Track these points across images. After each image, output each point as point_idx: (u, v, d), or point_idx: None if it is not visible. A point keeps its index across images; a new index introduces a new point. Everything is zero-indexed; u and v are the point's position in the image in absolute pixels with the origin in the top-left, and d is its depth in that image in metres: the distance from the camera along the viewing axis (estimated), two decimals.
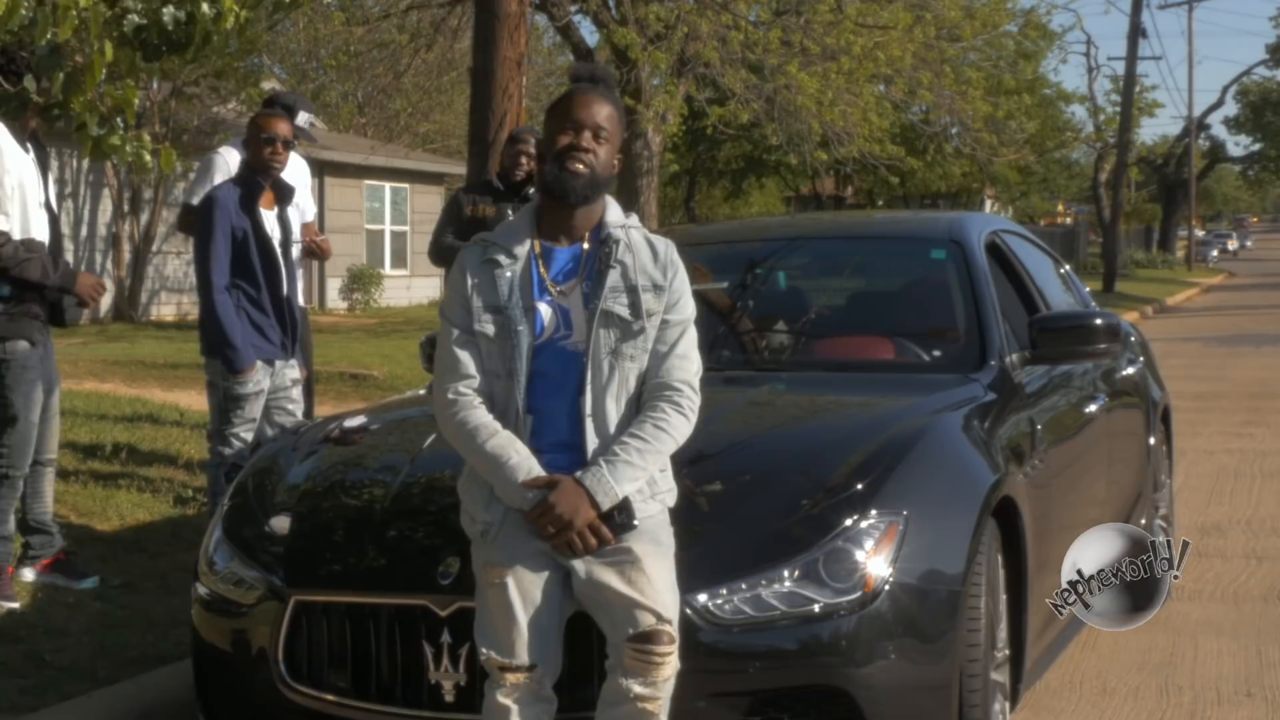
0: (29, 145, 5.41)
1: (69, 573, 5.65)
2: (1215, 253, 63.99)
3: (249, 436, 5.75)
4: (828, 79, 17.39)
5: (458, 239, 7.40)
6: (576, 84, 3.42)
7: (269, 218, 5.78)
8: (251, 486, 4.16)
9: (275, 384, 5.83)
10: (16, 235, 5.27)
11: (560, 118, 3.33)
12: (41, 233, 5.41)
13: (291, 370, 5.93)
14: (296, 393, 5.96)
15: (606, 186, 3.37)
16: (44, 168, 5.50)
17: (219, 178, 6.90)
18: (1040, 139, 38.94)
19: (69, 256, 5.56)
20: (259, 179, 5.71)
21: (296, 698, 3.55)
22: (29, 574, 5.60)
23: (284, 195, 5.85)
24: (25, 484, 5.56)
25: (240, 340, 5.63)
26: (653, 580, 3.15)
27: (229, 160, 6.94)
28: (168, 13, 5.03)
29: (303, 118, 6.90)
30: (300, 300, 6.04)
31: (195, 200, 6.95)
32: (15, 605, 5.29)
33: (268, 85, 21.32)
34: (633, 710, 3.11)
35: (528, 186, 7.52)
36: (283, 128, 5.73)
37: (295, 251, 6.01)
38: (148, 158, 5.19)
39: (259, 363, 5.71)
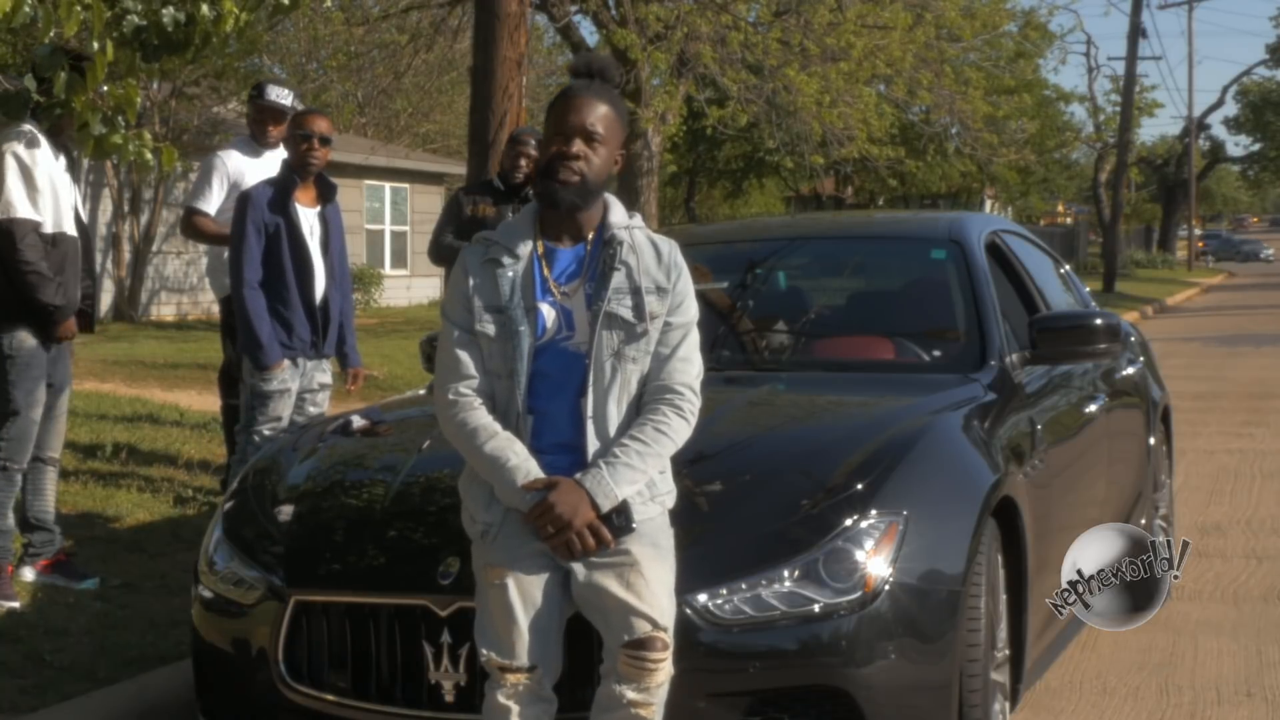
0: (60, 154, 5.50)
1: (69, 573, 5.65)
2: (1270, 252, 63.63)
3: (274, 435, 5.74)
4: (827, 80, 17.38)
5: (457, 239, 7.40)
6: (575, 80, 3.36)
7: (308, 215, 5.78)
8: (251, 486, 4.16)
9: (304, 385, 5.82)
10: (48, 229, 5.38)
11: (553, 123, 3.29)
12: (73, 235, 5.52)
13: (322, 374, 5.91)
14: (322, 397, 5.94)
15: (601, 190, 3.33)
16: (74, 178, 5.62)
17: (217, 181, 6.92)
18: (1040, 139, 38.92)
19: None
20: (295, 176, 5.74)
21: (296, 698, 3.55)
22: (29, 574, 5.60)
23: (326, 193, 5.86)
24: (27, 481, 5.60)
25: (266, 337, 5.64)
26: (650, 584, 3.14)
27: (227, 163, 6.95)
28: (167, 14, 5.02)
29: (276, 93, 6.94)
30: (341, 299, 5.96)
31: (196, 204, 6.97)
32: (15, 605, 5.30)
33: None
34: (626, 716, 3.10)
35: (528, 187, 7.52)
36: (320, 124, 5.73)
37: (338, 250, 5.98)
38: (149, 156, 5.20)
39: (285, 361, 5.71)
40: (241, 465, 5.71)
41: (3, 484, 5.43)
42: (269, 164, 6.76)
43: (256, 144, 7.05)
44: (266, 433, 5.70)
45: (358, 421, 4.43)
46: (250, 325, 5.65)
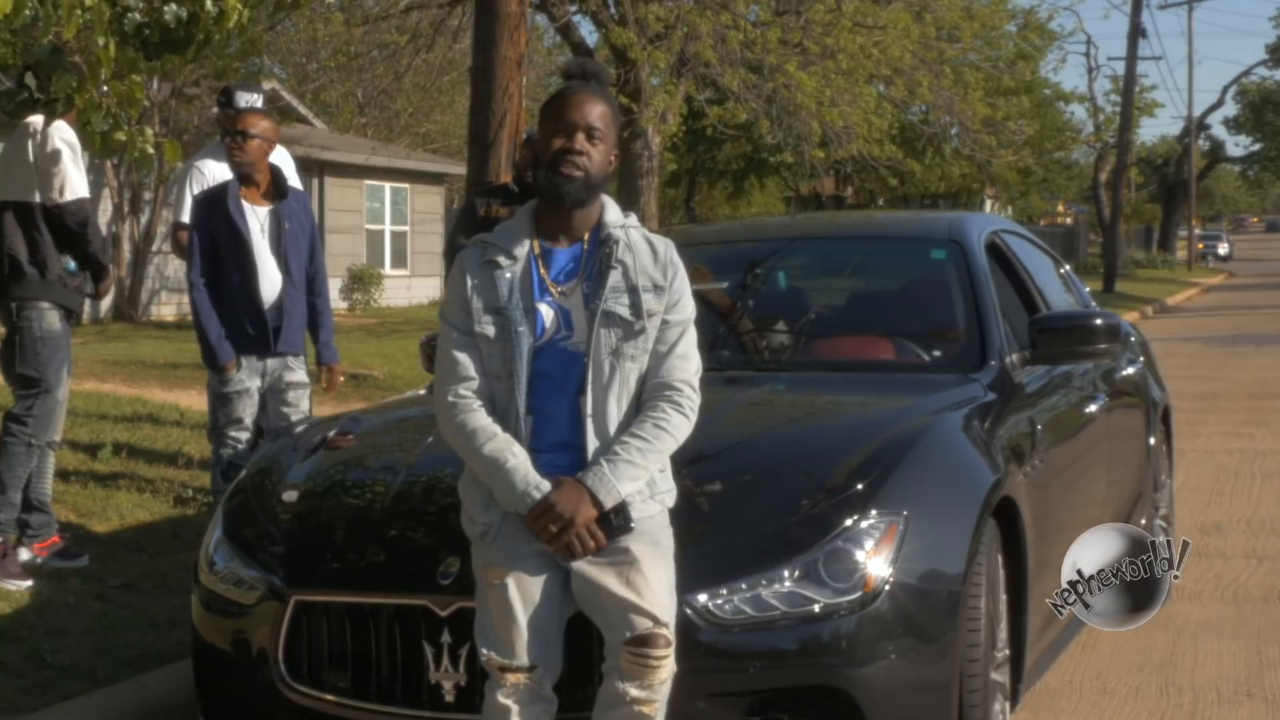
0: None
1: (65, 555, 5.77)
2: (1222, 249, 64.02)
3: (239, 435, 5.75)
4: (827, 78, 17.39)
5: None
6: (568, 81, 3.40)
7: (259, 213, 5.77)
8: (251, 486, 4.16)
9: (270, 385, 5.81)
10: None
11: (552, 119, 3.31)
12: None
13: (291, 373, 5.87)
14: (293, 395, 5.90)
15: (602, 187, 3.36)
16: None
17: (197, 189, 6.89)
18: (1040, 140, 38.92)
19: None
20: (237, 175, 5.77)
21: (296, 698, 3.56)
22: (25, 554, 5.68)
23: (280, 190, 5.84)
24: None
25: (215, 338, 5.67)
26: (650, 582, 3.14)
27: (204, 171, 6.91)
28: (170, 10, 5.02)
29: (245, 99, 6.92)
30: (315, 295, 5.94)
31: (181, 218, 6.94)
32: (28, 584, 5.35)
33: (268, 85, 21.32)
34: (629, 714, 3.11)
35: None
36: (246, 122, 5.75)
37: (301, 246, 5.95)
38: (151, 151, 5.26)
39: (243, 362, 5.71)
40: (216, 468, 5.76)
41: (24, 459, 5.60)
42: None
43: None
44: (231, 434, 5.73)
45: (331, 434, 4.40)
46: (200, 326, 5.71)
